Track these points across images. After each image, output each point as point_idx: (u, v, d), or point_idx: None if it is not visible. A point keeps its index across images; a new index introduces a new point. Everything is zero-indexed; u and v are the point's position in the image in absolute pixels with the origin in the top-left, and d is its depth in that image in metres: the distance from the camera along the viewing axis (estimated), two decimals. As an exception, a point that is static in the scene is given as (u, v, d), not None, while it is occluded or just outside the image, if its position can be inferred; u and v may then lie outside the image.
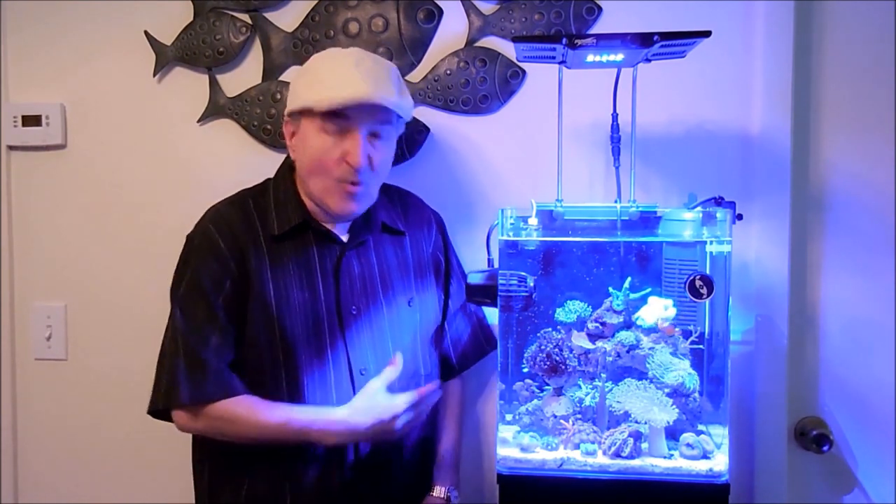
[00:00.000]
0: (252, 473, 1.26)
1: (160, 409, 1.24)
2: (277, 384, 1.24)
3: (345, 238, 1.30)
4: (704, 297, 1.19)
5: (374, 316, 1.30)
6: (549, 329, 1.27)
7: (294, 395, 1.24)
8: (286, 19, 1.53)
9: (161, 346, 1.26)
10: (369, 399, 1.21)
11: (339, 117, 1.20)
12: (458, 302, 1.42)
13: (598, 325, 1.26)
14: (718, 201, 1.22)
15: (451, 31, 1.50)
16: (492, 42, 1.49)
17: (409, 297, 1.34)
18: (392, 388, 1.25)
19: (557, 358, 1.24)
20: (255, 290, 1.24)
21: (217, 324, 1.23)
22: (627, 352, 1.24)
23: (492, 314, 1.42)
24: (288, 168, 1.32)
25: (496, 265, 1.27)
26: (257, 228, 1.27)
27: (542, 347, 1.25)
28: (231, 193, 1.34)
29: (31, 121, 1.60)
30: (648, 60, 1.24)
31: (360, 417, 1.20)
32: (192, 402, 1.21)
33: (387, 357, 1.29)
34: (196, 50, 1.55)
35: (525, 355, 1.27)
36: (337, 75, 1.20)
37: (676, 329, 1.24)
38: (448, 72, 1.50)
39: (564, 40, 1.15)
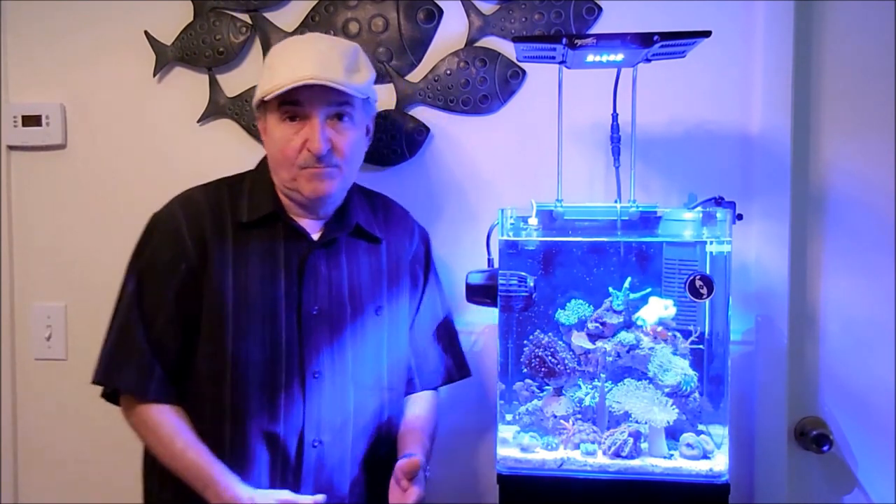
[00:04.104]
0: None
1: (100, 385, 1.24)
2: (222, 377, 1.20)
3: (315, 236, 1.26)
4: (704, 297, 1.19)
5: (335, 319, 1.25)
6: (538, 334, 1.27)
7: (241, 394, 1.20)
8: (286, 19, 1.53)
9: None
10: (271, 499, 1.15)
11: (294, 104, 1.19)
12: (428, 320, 1.37)
13: (598, 325, 1.26)
14: (718, 201, 1.22)
15: (451, 31, 1.50)
16: (492, 42, 1.49)
17: (378, 306, 1.29)
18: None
19: (553, 359, 1.24)
20: (213, 279, 1.21)
21: (166, 306, 1.21)
22: (627, 352, 1.24)
23: (492, 314, 1.41)
24: (268, 160, 1.29)
25: (496, 265, 1.28)
26: (227, 215, 1.24)
27: (534, 355, 1.24)
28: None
29: (31, 121, 1.60)
30: (648, 60, 1.24)
31: None
32: (102, 383, 1.23)
33: (344, 363, 1.25)
34: (196, 50, 1.55)
35: (522, 358, 1.27)
36: (285, 62, 1.20)
37: (669, 333, 1.24)
38: (448, 72, 1.50)
39: (564, 40, 1.15)
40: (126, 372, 1.20)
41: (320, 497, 1.17)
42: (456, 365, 1.40)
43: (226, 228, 1.24)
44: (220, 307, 1.21)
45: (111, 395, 1.26)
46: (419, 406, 1.35)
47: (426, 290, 1.38)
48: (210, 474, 1.16)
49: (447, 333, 1.40)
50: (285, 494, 1.17)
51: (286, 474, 1.22)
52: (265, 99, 1.20)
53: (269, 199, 1.25)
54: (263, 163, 1.31)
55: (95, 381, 1.23)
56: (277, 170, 1.24)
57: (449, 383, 1.40)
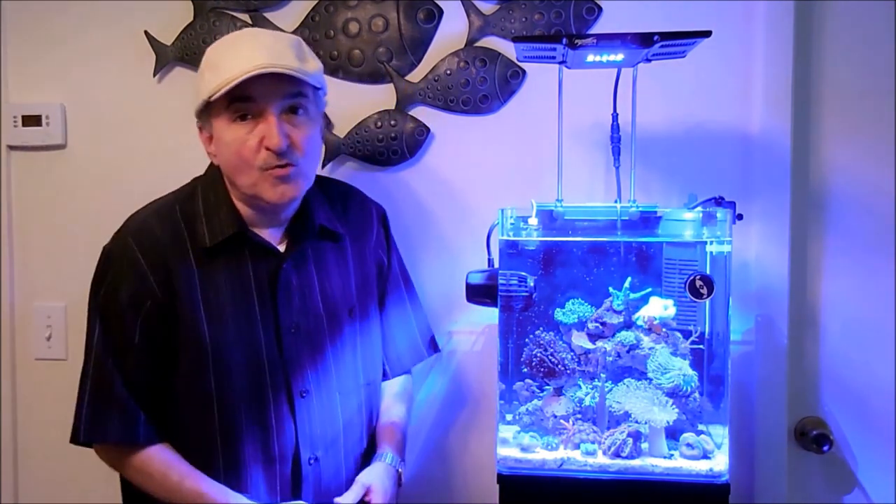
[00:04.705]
0: None
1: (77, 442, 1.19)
2: (209, 414, 1.16)
3: (281, 248, 1.21)
4: (704, 297, 1.19)
5: (314, 333, 1.21)
6: (539, 332, 1.27)
7: (229, 423, 1.17)
8: (286, 19, 1.53)
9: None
10: None
11: (245, 101, 1.11)
12: (394, 303, 1.36)
13: (598, 325, 1.26)
14: (718, 201, 1.22)
15: (451, 31, 1.50)
16: (492, 42, 1.49)
17: (350, 307, 1.26)
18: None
19: (553, 359, 1.24)
20: (183, 312, 1.15)
21: (132, 350, 1.15)
22: (627, 352, 1.24)
23: (492, 314, 1.42)
24: (217, 170, 1.22)
25: (496, 265, 1.28)
26: (185, 240, 1.17)
27: (534, 355, 1.24)
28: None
29: (31, 121, 1.60)
30: (649, 60, 1.24)
31: None
32: (88, 441, 1.19)
33: (328, 376, 1.23)
34: (196, 50, 1.55)
35: (522, 358, 1.27)
36: (229, 58, 1.11)
37: (664, 329, 1.24)
38: (448, 72, 1.50)
39: (564, 40, 1.15)
40: (111, 425, 1.16)
41: None
42: (424, 343, 1.40)
43: (187, 256, 1.17)
44: (196, 339, 1.16)
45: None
46: (393, 397, 1.35)
47: (390, 274, 1.37)
48: (214, 500, 1.14)
49: (413, 313, 1.39)
50: None
51: (285, 495, 1.21)
52: (212, 99, 1.11)
53: (229, 217, 1.18)
54: (211, 172, 1.24)
55: (81, 442, 1.19)
56: (235, 176, 1.16)
57: (420, 362, 1.41)
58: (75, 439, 1.20)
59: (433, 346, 1.42)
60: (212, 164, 1.24)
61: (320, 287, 1.23)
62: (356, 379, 1.28)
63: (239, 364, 1.17)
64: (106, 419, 1.17)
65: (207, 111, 1.16)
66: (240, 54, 1.11)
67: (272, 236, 1.22)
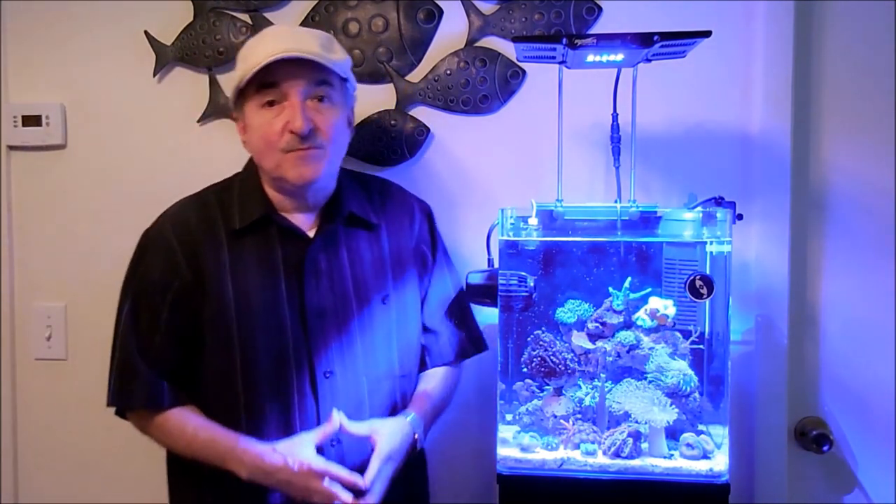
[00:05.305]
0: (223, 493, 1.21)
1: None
2: (233, 391, 1.20)
3: (311, 233, 1.25)
4: (704, 297, 1.19)
5: (341, 315, 1.24)
6: (539, 333, 1.27)
7: (252, 401, 1.20)
8: (286, 19, 1.53)
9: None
10: (292, 446, 1.16)
11: (271, 87, 1.18)
12: (439, 299, 1.35)
13: (598, 325, 1.26)
14: (718, 201, 1.22)
15: (451, 31, 1.50)
16: (492, 42, 1.49)
17: (384, 295, 1.27)
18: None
19: (553, 359, 1.24)
20: (212, 292, 1.21)
21: (160, 326, 1.22)
22: (627, 352, 1.24)
23: (491, 314, 1.42)
24: (253, 164, 1.28)
25: (496, 265, 1.28)
26: (218, 225, 1.24)
27: (534, 355, 1.24)
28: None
29: (31, 121, 1.60)
30: (649, 60, 1.24)
31: (274, 458, 1.15)
32: (116, 405, 1.26)
33: (354, 359, 1.24)
34: (196, 50, 1.55)
35: (522, 358, 1.27)
36: (257, 48, 1.18)
37: (669, 320, 1.24)
38: (448, 72, 1.50)
39: (564, 40, 1.15)
40: (136, 392, 1.22)
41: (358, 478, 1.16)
42: (469, 339, 1.38)
43: (219, 239, 1.23)
44: (223, 319, 1.20)
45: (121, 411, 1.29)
46: (429, 380, 1.34)
47: (435, 268, 1.36)
48: (226, 444, 1.18)
49: (458, 309, 1.38)
50: (309, 436, 1.17)
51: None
52: (241, 86, 1.19)
53: (259, 202, 1.24)
54: (248, 165, 1.29)
55: (111, 404, 1.26)
56: (261, 160, 1.22)
57: (464, 358, 1.38)
58: (108, 402, 1.26)
59: (479, 344, 1.39)
60: (250, 160, 1.29)
61: (352, 271, 1.26)
62: (390, 368, 1.28)
63: (264, 343, 1.21)
64: (130, 389, 1.23)
65: (241, 100, 1.22)
66: (266, 44, 1.18)
67: (304, 222, 1.25)
